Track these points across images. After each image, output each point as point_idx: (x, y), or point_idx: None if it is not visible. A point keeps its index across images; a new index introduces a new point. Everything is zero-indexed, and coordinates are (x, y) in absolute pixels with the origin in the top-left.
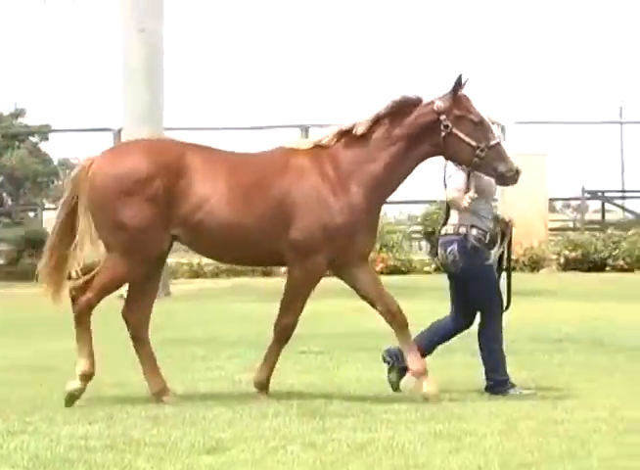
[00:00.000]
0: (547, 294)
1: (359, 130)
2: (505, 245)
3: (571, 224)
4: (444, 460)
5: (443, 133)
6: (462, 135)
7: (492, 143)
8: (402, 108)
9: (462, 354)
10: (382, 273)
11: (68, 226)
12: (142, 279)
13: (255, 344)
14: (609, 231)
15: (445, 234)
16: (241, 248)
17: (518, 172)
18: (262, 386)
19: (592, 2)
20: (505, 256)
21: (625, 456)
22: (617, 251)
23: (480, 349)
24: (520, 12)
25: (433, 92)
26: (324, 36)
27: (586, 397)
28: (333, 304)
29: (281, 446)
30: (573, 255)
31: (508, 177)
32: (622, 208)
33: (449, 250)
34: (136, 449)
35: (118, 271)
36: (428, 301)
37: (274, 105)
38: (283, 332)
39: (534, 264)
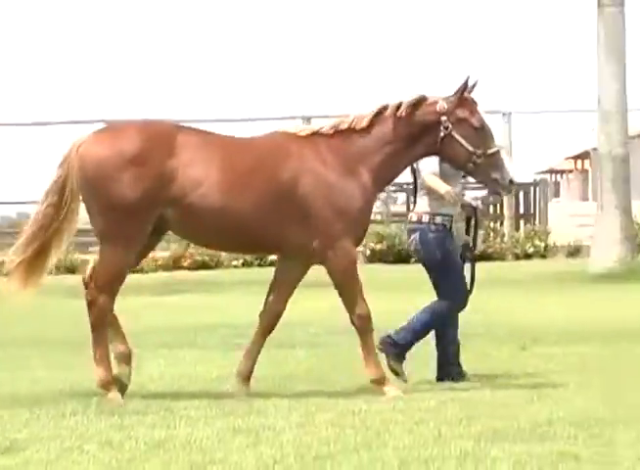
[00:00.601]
0: None
1: (361, 123)
2: (472, 231)
3: (378, 217)
4: (241, 455)
5: (442, 134)
6: (460, 138)
7: (490, 151)
8: (407, 106)
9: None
10: (189, 269)
11: (54, 212)
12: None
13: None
14: None
15: (410, 221)
16: (236, 234)
17: (512, 183)
18: (379, 381)
19: None
20: (471, 242)
21: (419, 445)
22: None
23: (417, 323)
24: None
25: (436, 85)
26: (326, 29)
27: None
28: (131, 301)
29: (77, 446)
30: (379, 247)
31: (501, 186)
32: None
33: (412, 239)
34: None
35: (115, 259)
36: (234, 294)
37: (274, 96)
38: (363, 324)
39: None
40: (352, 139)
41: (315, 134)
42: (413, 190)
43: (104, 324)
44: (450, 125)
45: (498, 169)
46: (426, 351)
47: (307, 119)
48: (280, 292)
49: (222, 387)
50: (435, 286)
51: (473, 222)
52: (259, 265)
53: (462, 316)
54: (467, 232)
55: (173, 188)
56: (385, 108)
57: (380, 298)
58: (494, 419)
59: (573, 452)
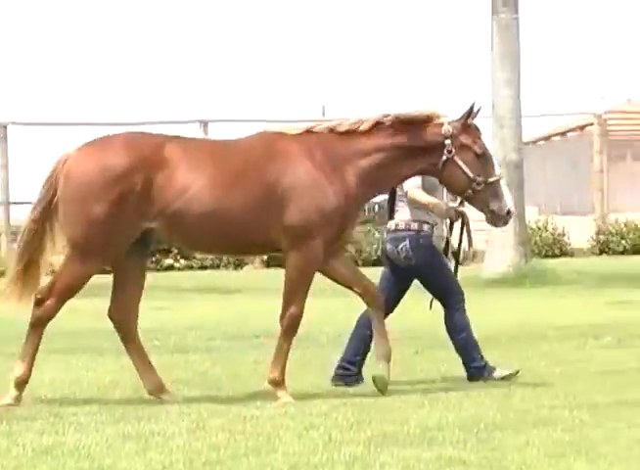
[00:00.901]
0: (248, 291)
1: (361, 126)
2: (463, 236)
3: None
4: (130, 461)
5: (445, 157)
6: (462, 164)
7: (491, 179)
8: (412, 119)
9: (158, 356)
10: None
11: (41, 226)
12: (123, 277)
13: None
14: None
15: (396, 229)
16: (224, 237)
17: (510, 213)
18: (277, 383)
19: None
20: (457, 246)
21: (309, 451)
22: None
23: (452, 341)
24: None
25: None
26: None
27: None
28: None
29: None
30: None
31: (498, 217)
32: None
33: (401, 246)
34: None
35: (81, 270)
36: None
37: (172, 100)
38: (291, 323)
39: (239, 261)
40: (346, 141)
41: (307, 132)
42: (391, 200)
43: (44, 326)
44: (453, 150)
45: (497, 199)
46: (304, 355)
47: (205, 124)
48: None
49: (113, 393)
50: (431, 287)
51: (463, 226)
52: (157, 270)
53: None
54: (459, 236)
55: (159, 202)
56: (388, 116)
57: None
58: (385, 424)
59: (462, 457)
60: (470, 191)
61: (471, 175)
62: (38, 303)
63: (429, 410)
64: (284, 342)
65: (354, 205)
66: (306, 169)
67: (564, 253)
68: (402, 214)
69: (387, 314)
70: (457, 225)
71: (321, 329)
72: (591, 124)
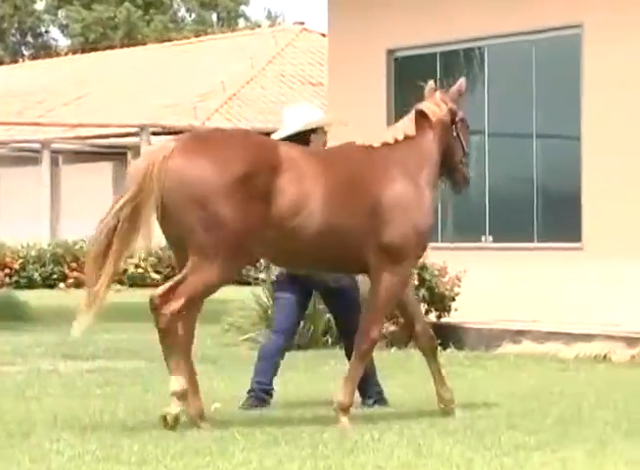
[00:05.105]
0: None
1: (410, 131)
2: None
3: None
4: None
5: (454, 134)
6: (462, 138)
7: (467, 149)
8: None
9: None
10: None
11: (131, 226)
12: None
13: None
14: None
15: None
16: (324, 252)
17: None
18: (345, 408)
19: None
20: None
21: None
22: None
23: None
24: None
25: None
26: None
27: None
28: None
29: None
30: None
31: (468, 184)
32: None
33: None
34: None
35: (212, 275)
36: None
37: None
38: (370, 348)
39: None
40: (407, 150)
41: (386, 144)
42: None
43: (175, 332)
44: (458, 125)
45: (469, 167)
46: None
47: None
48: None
49: None
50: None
51: None
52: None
53: None
54: None
55: (279, 207)
56: (421, 114)
57: None
58: None
59: None
60: (461, 165)
61: (466, 148)
62: (156, 308)
63: None
64: (359, 365)
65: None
66: (403, 186)
67: None
68: None
69: None
70: None
71: None
72: None
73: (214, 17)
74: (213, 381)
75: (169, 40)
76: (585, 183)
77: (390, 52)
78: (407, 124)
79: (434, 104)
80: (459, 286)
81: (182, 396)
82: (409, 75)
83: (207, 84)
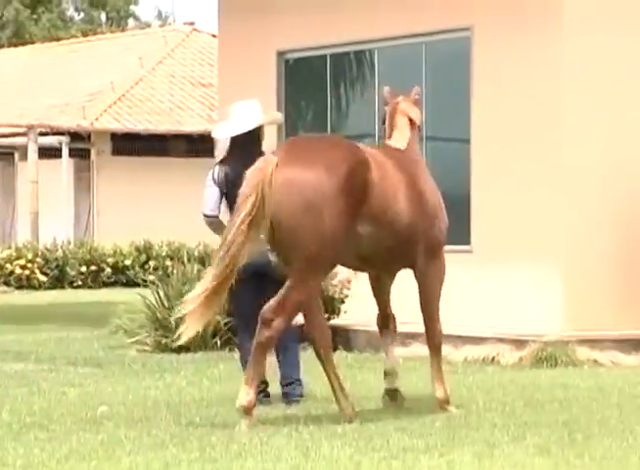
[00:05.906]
0: None
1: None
2: None
3: None
4: None
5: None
6: None
7: None
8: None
9: None
10: None
11: (247, 239)
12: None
13: None
14: None
15: None
16: (391, 251)
17: None
18: (446, 401)
19: None
20: None
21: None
22: None
23: None
24: None
25: None
26: None
27: None
28: None
29: None
30: None
31: None
32: None
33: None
34: None
35: (314, 285)
36: None
37: None
38: (440, 341)
39: None
40: (412, 153)
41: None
42: None
43: (271, 346)
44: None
45: None
46: None
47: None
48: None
49: None
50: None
51: None
52: None
53: None
54: None
55: (372, 210)
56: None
57: None
58: None
59: None
60: None
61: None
62: (266, 323)
63: None
64: (438, 359)
65: None
66: (433, 185)
67: None
68: None
69: None
70: None
71: None
72: None
73: (103, 16)
74: (100, 384)
75: (58, 39)
76: (474, 186)
77: (281, 54)
78: (406, 129)
79: (417, 110)
80: (348, 288)
81: (248, 409)
82: (300, 77)
83: (97, 84)
